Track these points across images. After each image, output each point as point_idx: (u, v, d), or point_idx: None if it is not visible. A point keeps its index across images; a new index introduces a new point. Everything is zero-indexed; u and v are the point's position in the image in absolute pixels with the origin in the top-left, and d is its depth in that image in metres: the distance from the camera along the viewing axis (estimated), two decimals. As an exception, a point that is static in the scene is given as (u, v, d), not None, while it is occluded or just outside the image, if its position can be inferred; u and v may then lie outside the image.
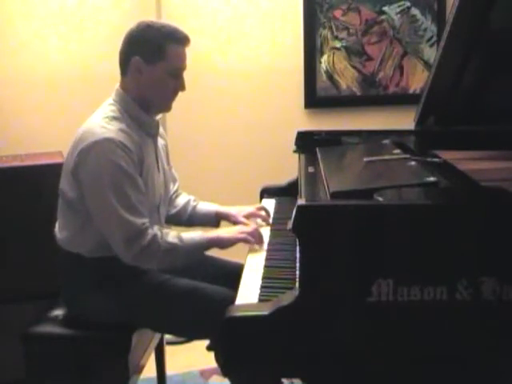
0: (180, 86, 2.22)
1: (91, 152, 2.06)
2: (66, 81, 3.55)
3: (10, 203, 2.82)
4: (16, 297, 2.83)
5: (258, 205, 2.60)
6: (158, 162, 2.30)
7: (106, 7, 3.57)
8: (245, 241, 2.22)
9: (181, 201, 2.54)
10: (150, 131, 2.25)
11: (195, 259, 2.23)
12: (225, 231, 2.29)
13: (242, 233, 2.23)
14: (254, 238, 2.22)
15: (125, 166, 2.06)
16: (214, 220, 2.50)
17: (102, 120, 2.13)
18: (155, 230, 2.11)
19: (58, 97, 3.56)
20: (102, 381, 2.20)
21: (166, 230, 2.17)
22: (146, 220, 2.10)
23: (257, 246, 2.22)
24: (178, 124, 3.58)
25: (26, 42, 3.50)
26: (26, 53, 3.50)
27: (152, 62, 2.15)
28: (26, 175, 2.85)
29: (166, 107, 2.28)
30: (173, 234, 2.15)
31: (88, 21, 3.56)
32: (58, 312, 2.30)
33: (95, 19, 3.56)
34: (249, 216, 2.44)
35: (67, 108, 3.54)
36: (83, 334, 2.21)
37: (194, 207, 2.52)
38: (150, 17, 3.48)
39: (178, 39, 2.18)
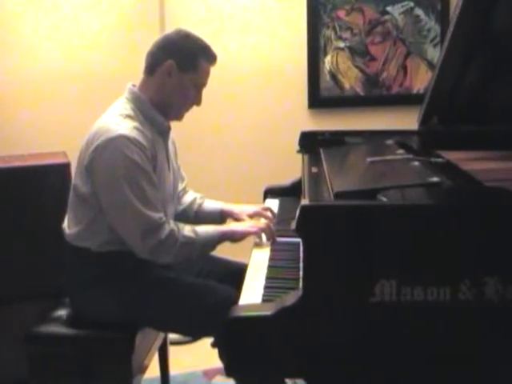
0: (198, 100, 2.29)
1: (107, 148, 2.09)
2: (68, 81, 3.56)
3: (13, 203, 2.82)
4: (17, 297, 2.83)
5: (264, 205, 2.60)
6: (168, 161, 2.32)
7: (107, 8, 3.57)
8: (257, 234, 2.28)
9: (187, 198, 2.57)
10: (161, 130, 2.28)
11: (209, 252, 2.28)
12: (238, 224, 2.37)
13: (254, 227, 2.29)
14: (267, 234, 2.27)
15: (140, 162, 2.10)
16: (220, 218, 2.53)
17: (116, 117, 2.16)
18: (172, 224, 2.16)
19: (61, 97, 3.56)
20: (106, 381, 2.20)
21: (181, 225, 2.20)
22: (162, 214, 2.14)
23: (267, 243, 2.26)
24: (181, 124, 3.57)
25: (27, 42, 3.50)
26: (29, 53, 3.51)
27: (184, 70, 2.21)
28: (29, 175, 2.85)
29: (180, 116, 2.33)
30: (188, 228, 2.19)
31: (89, 21, 3.56)
32: (62, 312, 2.30)
33: (97, 20, 3.56)
34: (253, 215, 2.45)
35: (70, 108, 3.54)
36: (87, 334, 2.21)
37: (200, 205, 2.56)
38: (153, 18, 3.50)
39: (211, 56, 2.26)
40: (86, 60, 3.57)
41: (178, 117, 2.33)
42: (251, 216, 2.45)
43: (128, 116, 2.17)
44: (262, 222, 2.37)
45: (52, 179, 2.82)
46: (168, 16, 3.54)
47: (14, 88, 3.51)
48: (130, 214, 2.10)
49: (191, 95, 2.26)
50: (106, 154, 2.09)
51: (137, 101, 2.23)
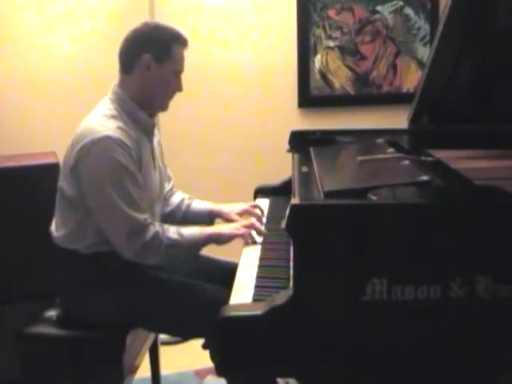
0: (179, 86, 2.28)
1: (91, 149, 2.08)
2: (59, 81, 3.54)
3: (5, 203, 2.82)
4: (14, 297, 2.82)
5: (252, 202, 2.61)
6: (154, 160, 2.32)
7: (97, 11, 3.56)
8: (243, 236, 2.26)
9: (175, 199, 2.56)
10: (146, 128, 2.27)
11: (195, 254, 2.29)
12: (223, 227, 2.35)
13: (240, 229, 2.28)
14: (250, 238, 2.26)
15: (125, 163, 2.09)
16: (208, 218, 2.53)
17: (100, 118, 2.16)
18: (157, 226, 2.15)
19: (51, 98, 3.54)
20: (97, 381, 2.19)
21: (166, 226, 2.20)
22: (147, 216, 2.14)
23: (256, 239, 2.26)
24: (172, 123, 3.57)
25: (18, 43, 3.48)
26: (18, 54, 3.49)
27: (161, 61, 2.21)
28: (20, 175, 2.85)
29: (165, 106, 2.32)
30: (173, 230, 2.18)
31: (79, 23, 3.54)
32: (52, 312, 2.29)
33: (86, 21, 3.55)
34: (242, 213, 2.46)
35: (60, 109, 3.53)
36: (77, 334, 2.20)
37: (189, 205, 2.55)
38: (144, 17, 3.48)
39: (182, 41, 2.25)
40: (77, 60, 3.55)
41: (163, 108, 2.33)
42: (240, 214, 2.45)
43: (112, 116, 2.17)
44: (249, 221, 2.37)
45: (42, 179, 2.81)
46: (159, 17, 3.53)
47: (4, 88, 3.49)
48: (115, 216, 2.09)
49: (172, 84, 2.26)
50: (91, 155, 2.08)
51: (120, 100, 2.22)
